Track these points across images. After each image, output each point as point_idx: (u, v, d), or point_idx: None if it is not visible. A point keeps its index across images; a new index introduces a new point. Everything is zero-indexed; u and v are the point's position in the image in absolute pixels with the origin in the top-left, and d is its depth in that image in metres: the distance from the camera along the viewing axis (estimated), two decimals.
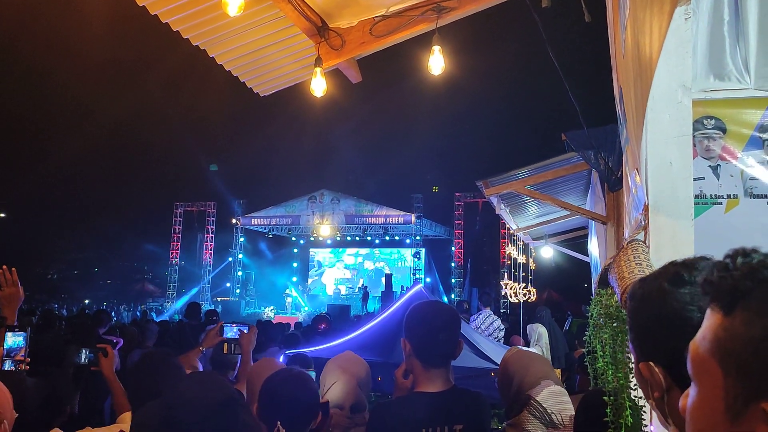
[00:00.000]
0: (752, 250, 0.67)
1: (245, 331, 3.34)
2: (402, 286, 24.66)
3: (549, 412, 2.09)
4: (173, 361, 2.52)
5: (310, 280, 30.25)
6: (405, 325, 2.06)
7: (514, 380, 2.23)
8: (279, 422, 1.89)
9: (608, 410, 1.62)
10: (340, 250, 30.48)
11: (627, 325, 1.08)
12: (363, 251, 30.14)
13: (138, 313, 23.38)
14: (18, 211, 32.59)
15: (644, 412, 1.60)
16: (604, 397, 1.64)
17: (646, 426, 1.60)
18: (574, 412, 2.04)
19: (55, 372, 3.53)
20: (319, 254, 31.00)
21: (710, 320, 0.69)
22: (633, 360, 1.06)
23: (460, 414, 1.98)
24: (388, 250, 29.66)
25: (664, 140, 1.84)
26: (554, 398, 2.12)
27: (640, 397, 1.58)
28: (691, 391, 0.71)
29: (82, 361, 3.05)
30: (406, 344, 2.04)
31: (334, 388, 2.56)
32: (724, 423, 0.64)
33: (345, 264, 30.41)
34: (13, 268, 3.07)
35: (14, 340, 2.72)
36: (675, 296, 0.98)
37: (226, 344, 3.37)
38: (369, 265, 30.02)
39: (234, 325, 3.41)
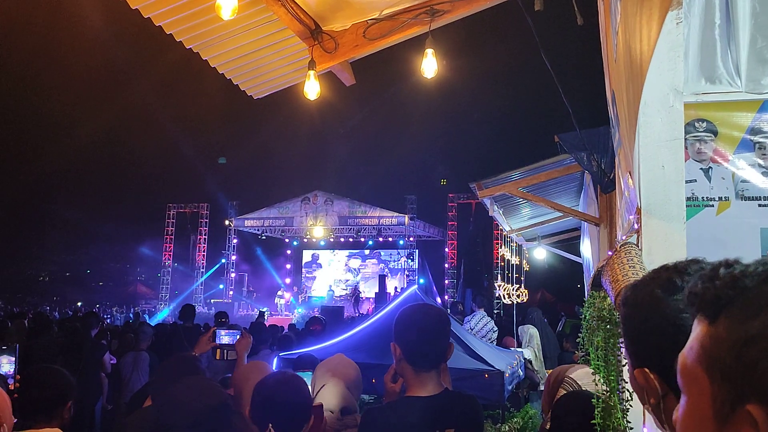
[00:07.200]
0: (735, 260, 0.69)
1: (238, 336, 3.34)
2: (395, 288, 24.62)
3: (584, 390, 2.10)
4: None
5: (305, 283, 30.17)
6: (394, 329, 2.05)
7: (551, 379, 2.37)
8: (270, 425, 1.88)
9: (596, 413, 1.63)
10: (336, 251, 30.41)
11: (621, 330, 1.08)
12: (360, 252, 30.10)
13: (131, 315, 23.27)
14: (8, 212, 32.35)
15: (628, 414, 1.61)
16: (593, 400, 1.65)
17: (632, 429, 1.61)
18: None
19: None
20: (314, 256, 30.92)
21: (697, 330, 0.70)
22: (627, 364, 1.06)
23: (452, 418, 1.97)
24: (387, 251, 29.61)
25: (656, 144, 1.84)
26: (590, 377, 2.14)
27: (627, 400, 1.59)
28: (681, 402, 0.72)
29: None
30: (396, 348, 2.03)
31: (323, 391, 2.56)
32: (713, 430, 0.64)
33: (341, 266, 30.36)
34: None
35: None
36: (668, 303, 0.97)
37: (219, 350, 3.36)
38: (365, 266, 29.97)
39: (226, 330, 3.40)
